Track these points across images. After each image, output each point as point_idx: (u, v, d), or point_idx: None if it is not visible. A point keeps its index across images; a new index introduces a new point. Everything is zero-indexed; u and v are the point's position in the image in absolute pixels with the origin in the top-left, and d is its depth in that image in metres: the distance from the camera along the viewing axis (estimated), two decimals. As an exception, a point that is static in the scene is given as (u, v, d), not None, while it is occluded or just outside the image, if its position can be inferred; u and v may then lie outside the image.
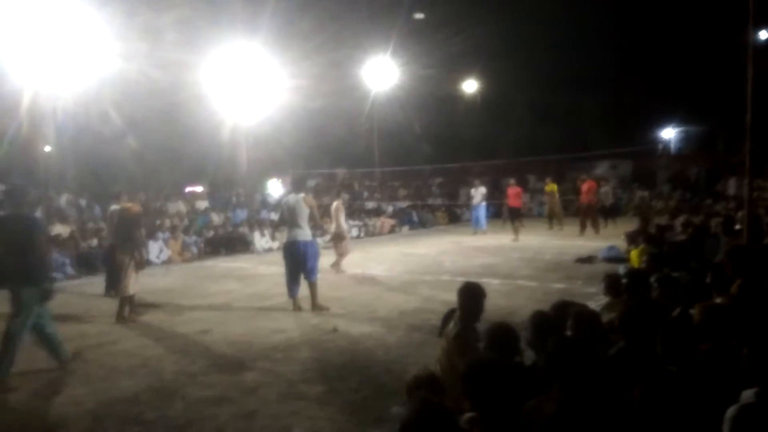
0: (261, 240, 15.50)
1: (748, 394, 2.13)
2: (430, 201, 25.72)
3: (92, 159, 19.67)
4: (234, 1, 18.85)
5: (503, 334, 3.28)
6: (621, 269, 7.23)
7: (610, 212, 18.34)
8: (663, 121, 30.00)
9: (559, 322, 3.50)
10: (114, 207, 8.07)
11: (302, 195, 8.04)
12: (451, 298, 3.95)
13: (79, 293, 9.76)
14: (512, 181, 18.03)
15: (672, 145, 31.00)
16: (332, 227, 11.49)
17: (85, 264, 12.11)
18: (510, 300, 8.07)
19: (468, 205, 20.86)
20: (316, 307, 7.83)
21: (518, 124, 29.66)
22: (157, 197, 18.42)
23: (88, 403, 4.76)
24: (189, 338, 6.72)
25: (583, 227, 16.33)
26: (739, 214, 9.10)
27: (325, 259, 9.90)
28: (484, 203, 17.73)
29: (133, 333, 7.02)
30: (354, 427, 4.14)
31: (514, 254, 12.83)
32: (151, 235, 13.18)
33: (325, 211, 14.30)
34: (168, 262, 13.34)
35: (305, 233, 7.89)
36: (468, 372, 2.52)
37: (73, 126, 16.82)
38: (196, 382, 5.15)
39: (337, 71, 22.53)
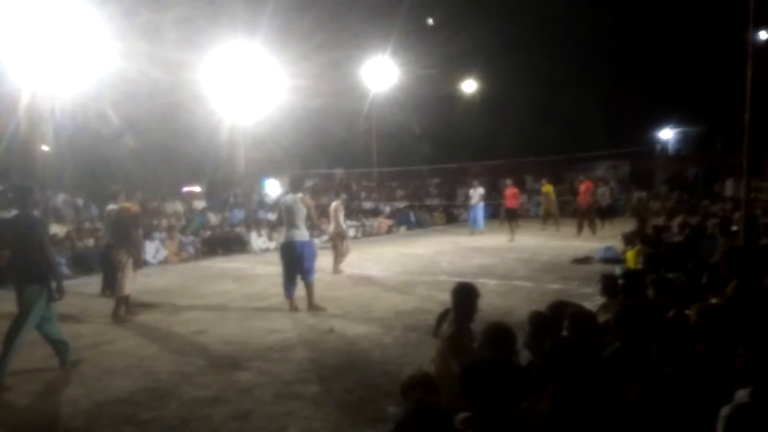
0: (258, 240, 15.48)
1: (742, 394, 2.12)
2: (428, 201, 25.73)
3: (90, 158, 19.62)
4: (233, 0, 18.86)
5: (500, 334, 3.27)
6: (617, 270, 7.24)
7: (607, 213, 18.35)
8: (661, 122, 30.00)
9: (555, 322, 3.50)
10: (111, 207, 8.04)
11: (300, 195, 8.02)
12: (448, 298, 3.95)
13: (74, 293, 9.68)
14: (509, 181, 18.04)
15: (670, 146, 31.00)
16: (331, 227, 11.47)
17: (81, 264, 12.08)
18: (506, 300, 8.06)
19: (465, 205, 20.86)
20: (312, 307, 7.82)
21: (517, 125, 29.64)
22: (154, 197, 18.40)
23: (83, 403, 4.74)
24: (185, 338, 6.71)
25: (580, 228, 16.33)
26: (736, 215, 9.10)
27: (323, 260, 9.89)
28: (481, 204, 17.73)
29: (129, 333, 7.01)
30: (349, 428, 4.13)
31: (511, 255, 12.83)
32: (148, 235, 13.15)
33: (322, 212, 14.32)
34: (165, 262, 13.31)
35: (302, 233, 7.88)
36: (464, 372, 2.51)
37: (72, 125, 16.81)
38: (191, 382, 5.13)
39: (336, 71, 22.55)
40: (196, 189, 21.95)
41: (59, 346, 5.58)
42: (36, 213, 5.75)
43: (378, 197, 24.94)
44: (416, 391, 2.96)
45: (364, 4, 24.46)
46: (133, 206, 8.11)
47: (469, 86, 31.79)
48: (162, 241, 13.71)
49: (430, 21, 26.65)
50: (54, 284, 5.39)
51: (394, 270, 11.32)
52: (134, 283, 7.84)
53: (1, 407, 4.77)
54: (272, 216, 17.78)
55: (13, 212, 5.75)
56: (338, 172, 28.21)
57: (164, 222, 15.00)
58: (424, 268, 11.50)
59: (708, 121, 26.34)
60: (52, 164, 17.70)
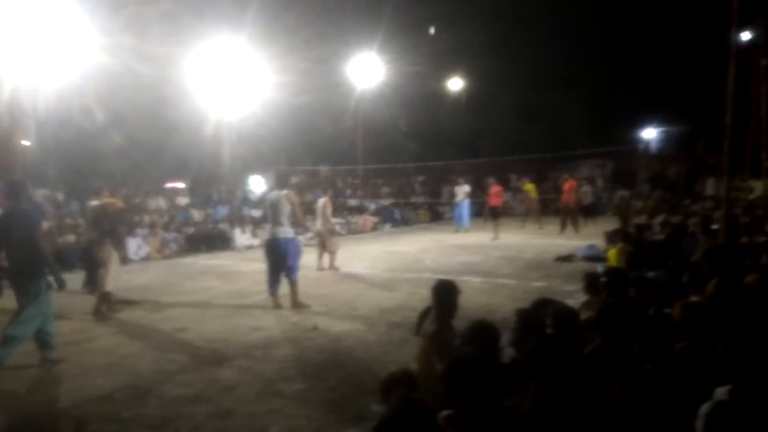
0: (242, 237, 15.38)
1: (721, 391, 2.14)
2: (413, 199, 25.75)
3: (73, 154, 19.39)
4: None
5: (484, 331, 3.28)
6: (600, 268, 7.28)
7: (590, 211, 18.50)
8: (644, 122, 30.31)
9: (540, 319, 3.52)
10: (94, 202, 7.95)
11: (285, 192, 7.99)
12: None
13: (55, 290, 9.60)
14: (492, 180, 18.13)
15: (652, 146, 31.32)
16: (318, 224, 11.41)
17: (62, 260, 11.90)
18: (490, 298, 8.09)
19: (451, 203, 20.91)
20: (296, 304, 7.78)
21: (502, 123, 29.77)
22: (136, 193, 18.21)
23: (63, 401, 4.69)
24: (167, 336, 6.65)
25: (563, 226, 16.46)
26: (717, 213, 9.22)
27: (308, 257, 9.85)
28: (467, 201, 17.79)
29: (110, 330, 6.93)
30: (333, 426, 4.12)
31: (495, 253, 12.88)
32: (130, 231, 13.01)
33: (308, 208, 14.27)
34: (147, 258, 13.19)
35: (286, 230, 7.84)
36: (448, 369, 2.52)
37: (55, 120, 16.57)
38: (173, 380, 5.09)
39: (323, 67, 22.44)
40: (179, 185, 21.76)
41: (46, 339, 5.52)
42: (29, 207, 5.71)
43: (363, 194, 24.90)
44: (398, 388, 2.96)
45: (351, 0, 24.42)
46: (117, 202, 8.02)
47: (455, 84, 31.86)
48: (144, 238, 13.58)
49: (432, 30, 26.70)
50: (52, 277, 5.46)
51: (379, 267, 11.31)
52: (118, 279, 7.76)
53: (-21, 406, 4.70)
54: (256, 213, 17.69)
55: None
56: (324, 169, 28.12)
57: (147, 218, 14.86)
58: (409, 265, 11.51)
59: (690, 120, 26.67)
60: (33, 159, 17.43)
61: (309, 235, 14.30)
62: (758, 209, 11.95)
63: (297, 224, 8.22)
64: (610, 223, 14.10)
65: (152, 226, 14.14)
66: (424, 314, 4.06)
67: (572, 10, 26.92)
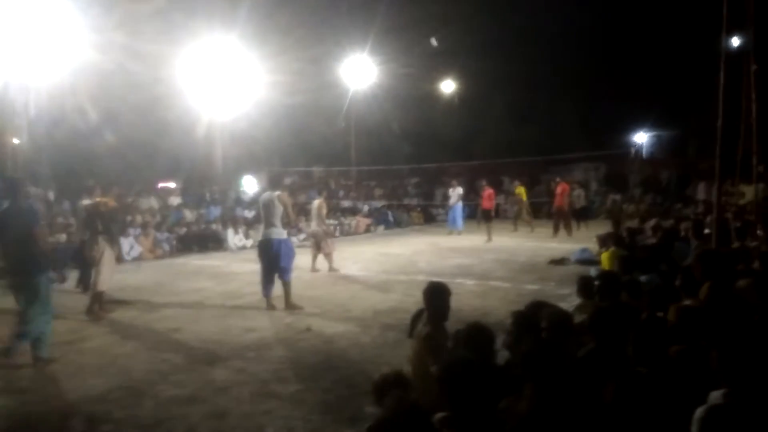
0: (234, 238, 15.34)
1: (716, 395, 2.17)
2: (406, 201, 25.77)
3: (65, 153, 19.25)
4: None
5: (479, 334, 3.29)
6: (593, 271, 7.33)
7: (582, 215, 18.59)
8: (636, 126, 30.48)
9: (534, 322, 3.54)
10: (86, 201, 7.91)
11: (277, 193, 7.98)
12: (424, 298, 3.96)
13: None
14: (484, 182, 18.19)
15: (644, 150, 31.50)
16: (313, 225, 11.39)
17: (53, 260, 11.82)
18: (484, 300, 8.12)
19: (444, 205, 20.93)
20: (289, 306, 7.78)
21: (495, 126, 29.83)
22: (128, 193, 18.11)
23: (56, 401, 4.67)
24: (160, 336, 6.63)
25: (556, 229, 16.51)
26: (708, 218, 9.28)
27: (302, 259, 9.84)
28: (460, 204, 17.82)
29: (103, 330, 6.90)
30: (327, 427, 4.13)
31: (489, 255, 12.92)
32: (122, 231, 12.95)
33: (301, 209, 14.25)
34: (139, 258, 13.13)
35: (279, 231, 7.83)
36: (443, 371, 2.52)
37: (47, 119, 16.47)
38: (166, 380, 5.08)
39: (316, 68, 22.41)
40: (171, 185, 21.67)
41: (41, 337, 5.50)
42: (27, 204, 5.71)
43: (356, 196, 24.89)
44: (392, 390, 2.97)
45: (343, 1, 24.40)
46: (110, 201, 8.00)
47: (448, 86, 31.91)
48: (136, 238, 13.52)
49: (434, 42, 26.73)
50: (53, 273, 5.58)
51: (372, 269, 11.32)
52: (111, 279, 7.75)
53: (-30, 406, 4.67)
54: (249, 213, 17.65)
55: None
56: (317, 170, 28.09)
57: (139, 218, 14.79)
58: (402, 267, 11.52)
59: (681, 125, 26.86)
60: (25, 158, 17.31)
61: (302, 236, 14.28)
62: (749, 214, 12.03)
63: (289, 225, 8.22)
64: (603, 227, 14.15)
65: (144, 226, 14.08)
66: (416, 316, 4.08)
67: (565, 13, 27.07)
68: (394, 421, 2.16)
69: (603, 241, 10.16)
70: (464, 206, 18.40)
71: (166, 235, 14.62)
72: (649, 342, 2.81)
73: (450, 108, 31.81)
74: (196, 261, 13.16)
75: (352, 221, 19.85)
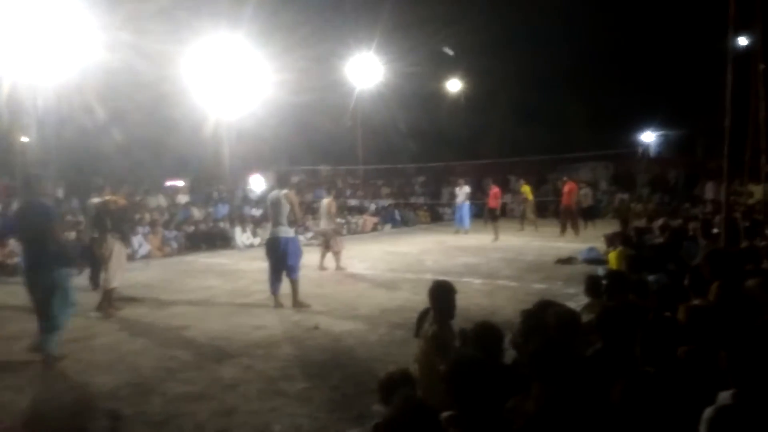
0: (242, 236, 15.40)
1: (725, 396, 2.16)
2: (413, 200, 25.76)
3: (74, 151, 19.36)
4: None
5: (488, 332, 3.30)
6: (600, 271, 7.32)
7: (589, 214, 18.54)
8: (643, 125, 30.31)
9: (542, 321, 3.54)
10: (95, 199, 7.97)
11: (284, 191, 8.00)
12: (431, 297, 3.97)
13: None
14: (490, 181, 18.17)
15: (652, 149, 31.34)
16: (323, 224, 11.41)
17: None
18: (491, 300, 8.12)
19: (451, 204, 20.91)
20: (297, 304, 7.81)
21: (501, 124, 29.77)
22: (136, 191, 18.21)
23: (65, 398, 4.71)
24: (169, 333, 6.67)
25: (563, 228, 16.47)
26: (717, 218, 9.24)
27: (309, 257, 9.86)
28: (467, 203, 17.81)
29: (112, 328, 6.95)
30: (335, 425, 4.14)
31: (496, 254, 12.91)
32: (133, 229, 13.03)
33: (308, 208, 14.28)
34: (148, 256, 13.21)
35: (287, 230, 7.86)
36: (451, 370, 2.53)
37: (55, 117, 16.56)
38: (175, 378, 5.11)
39: (322, 66, 22.43)
40: (179, 183, 21.76)
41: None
42: (45, 200, 5.76)
43: (363, 195, 24.91)
44: (398, 389, 2.98)
45: (349, -1, 24.38)
46: (120, 199, 8.05)
47: (454, 85, 31.86)
48: (145, 236, 13.60)
49: (449, 51, 26.79)
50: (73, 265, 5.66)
51: (380, 268, 11.34)
52: (123, 276, 7.82)
53: (-19, 402, 4.72)
54: (257, 212, 17.70)
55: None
56: (324, 168, 28.12)
57: (147, 216, 14.87)
58: (409, 266, 11.53)
59: (689, 124, 26.68)
60: (34, 156, 17.43)
61: (309, 234, 14.30)
62: (758, 213, 11.98)
63: (295, 224, 8.24)
64: (610, 226, 14.11)
65: (153, 224, 14.15)
66: (423, 315, 4.09)
67: (572, 12, 26.95)
68: (401, 419, 2.17)
69: (610, 241, 10.16)
70: (471, 205, 18.38)
71: (174, 233, 14.70)
72: (657, 342, 2.80)
73: (456, 107, 31.75)
74: (204, 259, 13.23)
75: (359, 220, 19.88)
